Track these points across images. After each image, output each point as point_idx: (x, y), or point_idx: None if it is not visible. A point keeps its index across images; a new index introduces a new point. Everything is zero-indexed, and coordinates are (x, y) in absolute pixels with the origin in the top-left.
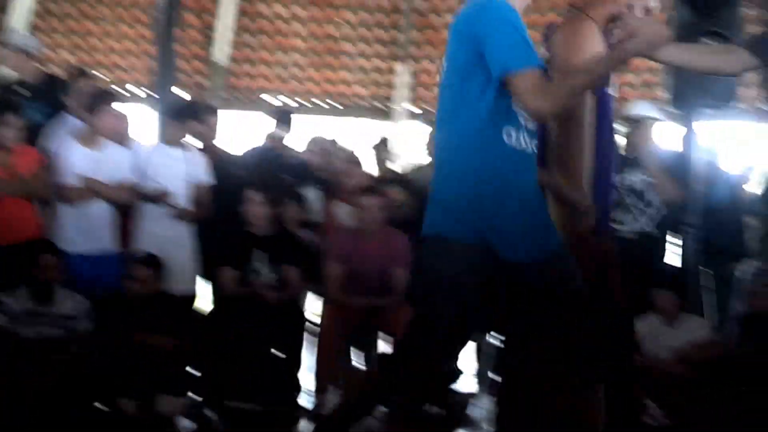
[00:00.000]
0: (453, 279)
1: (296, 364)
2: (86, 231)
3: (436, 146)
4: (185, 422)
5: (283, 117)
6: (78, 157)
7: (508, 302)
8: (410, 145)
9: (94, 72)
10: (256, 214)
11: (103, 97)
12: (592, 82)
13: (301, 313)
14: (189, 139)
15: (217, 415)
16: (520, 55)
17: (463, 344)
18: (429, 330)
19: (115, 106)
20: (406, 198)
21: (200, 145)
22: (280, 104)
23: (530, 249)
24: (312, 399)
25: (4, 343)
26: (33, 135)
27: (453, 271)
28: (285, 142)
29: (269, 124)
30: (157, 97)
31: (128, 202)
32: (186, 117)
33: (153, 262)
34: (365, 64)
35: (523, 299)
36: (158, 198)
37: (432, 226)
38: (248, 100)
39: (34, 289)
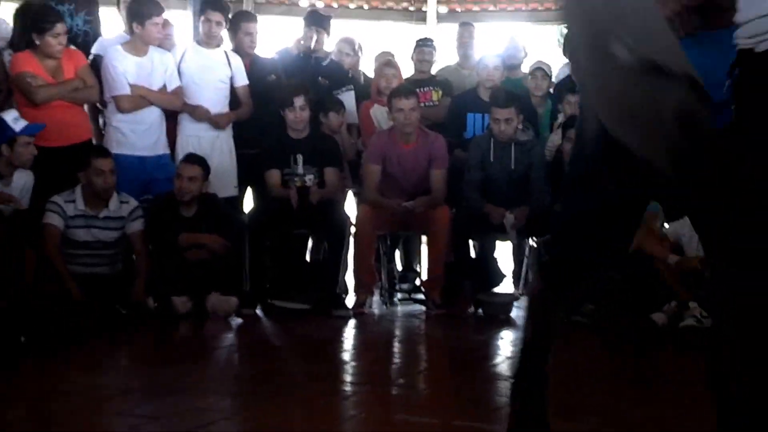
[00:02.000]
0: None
1: (340, 264)
2: (139, 134)
3: None
4: (236, 320)
5: (319, 20)
6: (128, 66)
7: None
8: (443, 46)
9: None
10: (297, 118)
11: (150, 6)
12: None
13: (343, 214)
14: (226, 42)
15: (265, 313)
16: None
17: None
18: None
19: (160, 13)
20: (441, 98)
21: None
22: (313, 8)
23: None
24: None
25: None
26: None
27: None
28: (319, 45)
29: (302, 28)
30: None
31: (177, 108)
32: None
33: (200, 161)
34: None
35: None
36: (196, 114)
37: None
38: (279, 5)
39: (87, 191)
